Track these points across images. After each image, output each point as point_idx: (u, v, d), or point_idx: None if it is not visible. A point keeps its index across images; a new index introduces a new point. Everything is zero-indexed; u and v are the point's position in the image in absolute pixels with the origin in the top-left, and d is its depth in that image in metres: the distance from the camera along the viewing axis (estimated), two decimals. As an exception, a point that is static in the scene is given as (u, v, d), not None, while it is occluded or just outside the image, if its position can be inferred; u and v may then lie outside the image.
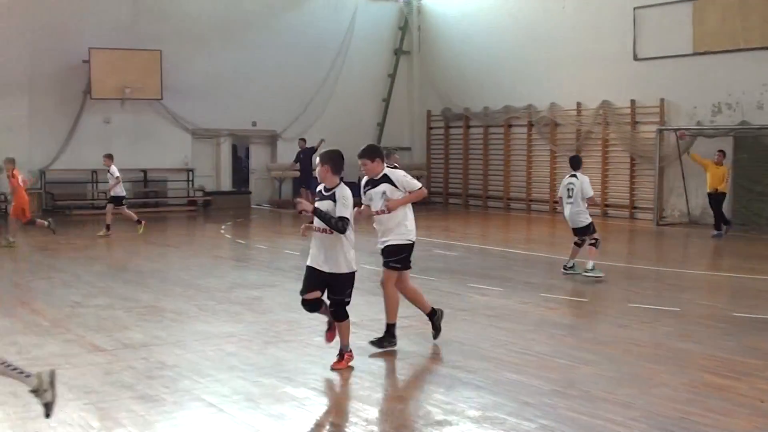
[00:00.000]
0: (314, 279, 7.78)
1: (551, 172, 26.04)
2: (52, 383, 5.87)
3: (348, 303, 7.85)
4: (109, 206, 19.53)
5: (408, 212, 8.70)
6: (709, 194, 19.92)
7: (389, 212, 8.42)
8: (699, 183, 21.17)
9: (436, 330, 8.93)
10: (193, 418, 6.56)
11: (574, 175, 13.30)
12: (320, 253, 7.74)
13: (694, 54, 22.29)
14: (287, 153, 28.78)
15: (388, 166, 8.65)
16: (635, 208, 24.01)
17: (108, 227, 19.20)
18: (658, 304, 11.19)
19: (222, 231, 20.90)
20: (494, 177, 28.30)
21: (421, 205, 27.47)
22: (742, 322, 10.07)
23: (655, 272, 14.70)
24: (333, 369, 7.78)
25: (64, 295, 11.69)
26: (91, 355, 8.38)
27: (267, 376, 7.60)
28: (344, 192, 7.63)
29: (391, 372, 8.00)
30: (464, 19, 28.91)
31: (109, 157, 19.60)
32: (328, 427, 6.58)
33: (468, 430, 6.26)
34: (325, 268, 7.70)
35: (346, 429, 6.37)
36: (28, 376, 5.88)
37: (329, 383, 7.55)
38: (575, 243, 13.48)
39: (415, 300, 8.91)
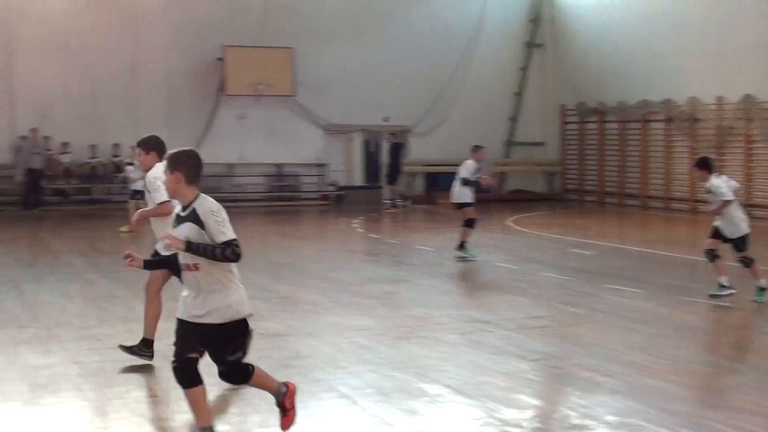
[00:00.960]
0: (190, 336, 5.60)
1: (690, 170, 25.19)
2: None
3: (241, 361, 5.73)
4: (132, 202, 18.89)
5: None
6: None
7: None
8: None
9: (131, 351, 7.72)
10: (326, 408, 6.63)
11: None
12: (193, 298, 5.60)
13: None
14: (419, 148, 28.80)
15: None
16: (781, 207, 22.98)
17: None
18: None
19: (354, 225, 21.10)
20: (631, 174, 27.57)
21: (555, 203, 27.50)
22: None
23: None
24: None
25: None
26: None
27: (400, 371, 7.60)
28: (209, 205, 5.50)
29: (526, 372, 7.86)
30: (597, 9, 28.23)
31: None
32: (461, 425, 6.51)
33: (606, 435, 6.12)
34: (206, 319, 5.55)
35: (480, 429, 6.30)
36: None
37: (463, 381, 7.45)
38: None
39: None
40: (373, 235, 19.68)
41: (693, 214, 23.87)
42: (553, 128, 30.65)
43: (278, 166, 27.70)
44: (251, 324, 5.76)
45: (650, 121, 26.71)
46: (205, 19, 26.50)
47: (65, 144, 25.56)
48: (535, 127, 30.83)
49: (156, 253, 7.21)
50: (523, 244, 17.37)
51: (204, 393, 5.61)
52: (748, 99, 23.25)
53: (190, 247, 5.34)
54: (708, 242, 11.00)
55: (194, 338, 5.56)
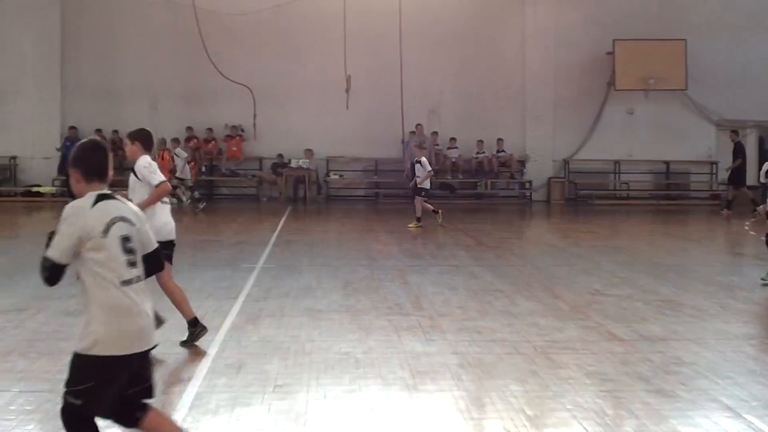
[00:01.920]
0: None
1: None
2: None
3: (76, 406, 4.56)
4: (418, 199, 19.09)
5: (157, 211, 8.01)
6: None
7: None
8: None
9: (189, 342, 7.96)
10: (707, 419, 6.22)
11: None
12: None
13: None
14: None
15: None
16: None
17: (419, 219, 18.84)
18: None
19: (746, 227, 19.77)
20: None
21: None
22: None
23: None
24: None
25: (585, 282, 11.88)
26: (609, 343, 8.38)
27: (793, 386, 6.98)
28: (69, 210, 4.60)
29: None
30: None
31: (420, 148, 19.45)
32: None
33: None
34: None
35: None
36: None
37: None
38: None
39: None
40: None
41: None
42: None
43: (666, 163, 26.77)
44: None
45: None
46: (595, 12, 26.29)
47: (452, 139, 26.62)
48: None
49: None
50: None
51: None
52: None
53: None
54: None
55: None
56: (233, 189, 27.36)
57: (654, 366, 7.51)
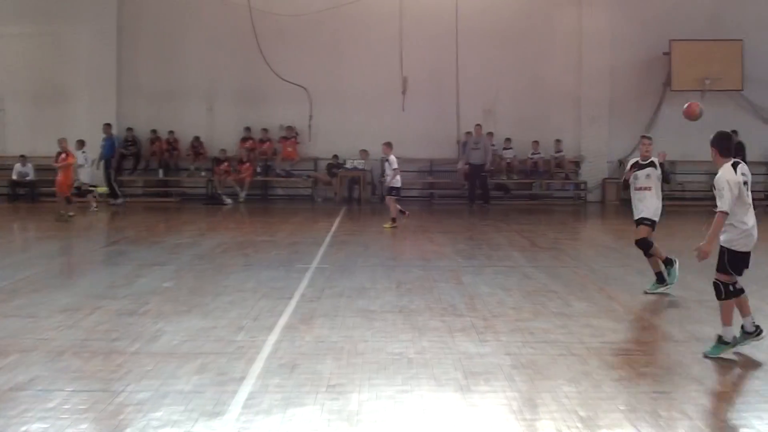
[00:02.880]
0: None
1: None
2: None
3: None
4: (389, 198, 19.14)
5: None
6: None
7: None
8: None
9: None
10: (760, 420, 6.14)
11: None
12: None
13: None
14: None
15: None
16: None
17: (394, 219, 18.79)
18: None
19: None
20: None
21: None
22: None
23: None
24: None
25: (639, 284, 11.73)
26: (663, 344, 8.34)
27: None
28: None
29: None
30: None
31: (389, 146, 19.23)
32: None
33: None
34: None
35: None
36: None
37: None
38: None
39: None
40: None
41: None
42: None
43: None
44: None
45: None
46: (651, 12, 26.02)
47: (507, 140, 26.54)
48: None
49: None
50: None
51: None
52: None
53: None
54: None
55: None
56: (288, 189, 27.55)
57: (707, 367, 7.43)
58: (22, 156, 26.24)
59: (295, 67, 26.30)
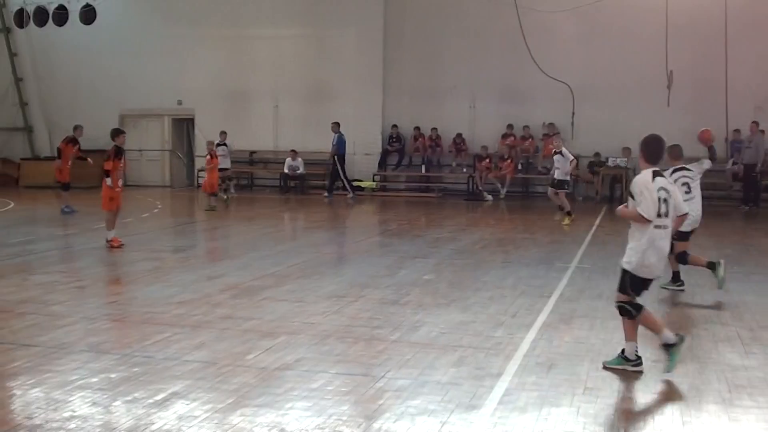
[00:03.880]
0: None
1: None
2: None
3: None
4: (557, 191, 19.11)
5: None
6: None
7: None
8: None
9: None
10: None
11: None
12: None
13: None
14: None
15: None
16: None
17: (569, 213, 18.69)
18: None
19: None
20: None
21: None
22: None
23: None
24: None
25: None
26: None
27: None
28: None
29: None
30: None
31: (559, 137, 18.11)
32: None
33: None
34: None
35: None
36: None
37: None
38: None
39: None
40: None
41: None
42: None
43: None
44: None
45: None
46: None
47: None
48: None
49: None
50: None
51: None
52: None
53: None
54: None
55: None
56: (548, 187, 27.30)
57: None
58: (292, 151, 27.72)
59: (558, 63, 26.01)
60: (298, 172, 27.74)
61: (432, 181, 28.23)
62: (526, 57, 25.65)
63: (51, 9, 31.31)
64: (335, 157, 26.11)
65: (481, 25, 27.00)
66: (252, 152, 29.46)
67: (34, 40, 31.58)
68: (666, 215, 7.16)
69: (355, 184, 26.89)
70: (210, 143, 23.33)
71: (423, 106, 27.62)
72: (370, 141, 28.06)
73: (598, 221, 19.76)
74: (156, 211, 21.74)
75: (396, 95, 27.98)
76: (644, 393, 6.70)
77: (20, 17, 31.68)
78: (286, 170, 27.79)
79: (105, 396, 6.38)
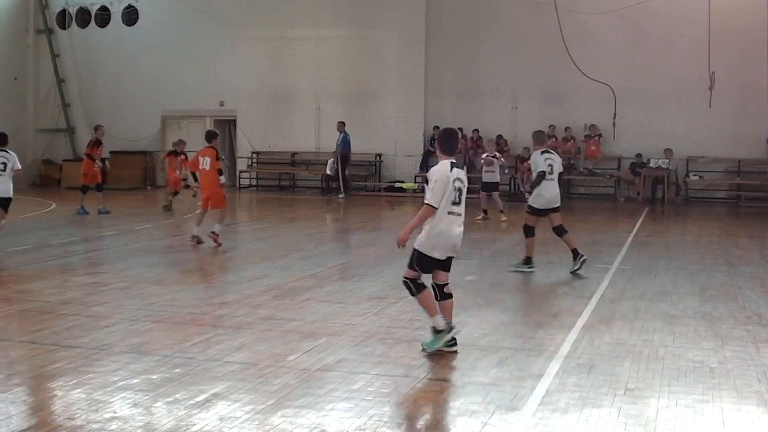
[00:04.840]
0: None
1: None
2: None
3: None
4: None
5: None
6: None
7: None
8: None
9: None
10: None
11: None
12: None
13: None
14: None
15: None
16: None
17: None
18: None
19: None
20: None
21: None
22: None
23: None
24: None
25: None
26: None
27: None
28: None
29: None
30: None
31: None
32: None
33: None
34: None
35: None
36: None
37: None
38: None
39: None
40: None
41: None
42: None
43: None
44: None
45: None
46: None
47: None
48: None
49: None
50: None
51: None
52: None
53: None
54: None
55: None
56: (590, 188, 27.24)
57: None
58: (334, 152, 27.85)
59: (599, 65, 25.84)
60: (341, 173, 27.89)
61: (474, 183, 28.15)
62: (566, 58, 25.52)
63: (93, 10, 31.76)
64: (339, 156, 26.31)
65: (521, 26, 26.99)
66: (293, 153, 29.65)
67: (77, 42, 32.06)
68: (459, 203, 7.70)
69: (396, 185, 26.92)
70: (182, 143, 23.14)
71: (464, 107, 27.64)
72: (411, 142, 28.17)
73: (639, 222, 19.65)
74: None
75: (438, 96, 28.04)
76: (686, 394, 6.68)
77: (63, 18, 32.16)
78: (328, 171, 27.91)
79: (146, 397, 6.45)
